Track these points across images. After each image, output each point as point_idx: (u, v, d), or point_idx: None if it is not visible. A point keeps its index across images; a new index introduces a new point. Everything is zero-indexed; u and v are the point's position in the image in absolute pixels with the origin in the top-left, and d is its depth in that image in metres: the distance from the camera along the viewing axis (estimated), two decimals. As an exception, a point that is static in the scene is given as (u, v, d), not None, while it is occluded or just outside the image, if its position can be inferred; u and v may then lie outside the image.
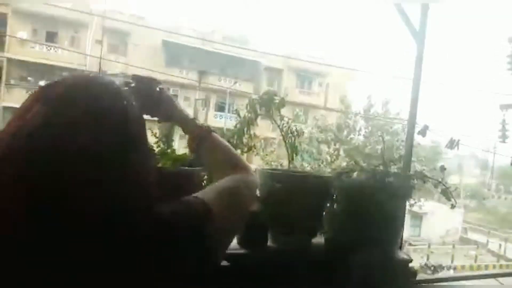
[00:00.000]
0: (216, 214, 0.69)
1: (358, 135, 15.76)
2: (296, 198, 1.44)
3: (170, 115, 0.94)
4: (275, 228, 1.46)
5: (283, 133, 1.51)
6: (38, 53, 18.93)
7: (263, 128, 1.79)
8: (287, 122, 1.52)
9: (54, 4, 17.70)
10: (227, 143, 0.95)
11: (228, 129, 1.58)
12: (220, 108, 23.51)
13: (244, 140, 1.50)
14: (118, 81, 0.75)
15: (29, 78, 14.78)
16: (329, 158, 14.31)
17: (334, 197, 1.60)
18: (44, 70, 17.75)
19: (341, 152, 14.50)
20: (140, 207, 0.59)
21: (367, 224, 1.52)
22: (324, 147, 14.84)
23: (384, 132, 14.78)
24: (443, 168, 1.80)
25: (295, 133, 1.52)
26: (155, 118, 0.96)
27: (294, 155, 1.57)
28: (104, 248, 0.54)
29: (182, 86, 20.93)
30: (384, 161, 1.57)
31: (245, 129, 1.45)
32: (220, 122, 20.20)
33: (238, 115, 1.46)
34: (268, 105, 1.42)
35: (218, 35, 22.65)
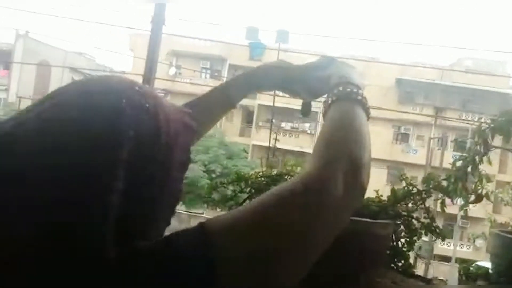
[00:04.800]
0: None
1: None
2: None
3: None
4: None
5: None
6: (281, 98, 21.77)
7: None
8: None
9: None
10: (356, 125, 0.55)
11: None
12: (460, 147, 20.84)
13: (470, 185, 1.05)
14: None
15: (273, 120, 17.01)
16: None
17: None
18: (284, 113, 20.10)
19: None
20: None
21: None
22: None
23: None
24: None
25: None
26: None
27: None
28: None
29: (415, 123, 19.82)
30: None
31: (470, 168, 1.00)
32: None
33: (459, 147, 1.03)
34: (508, 132, 0.94)
35: (459, 67, 20.54)
